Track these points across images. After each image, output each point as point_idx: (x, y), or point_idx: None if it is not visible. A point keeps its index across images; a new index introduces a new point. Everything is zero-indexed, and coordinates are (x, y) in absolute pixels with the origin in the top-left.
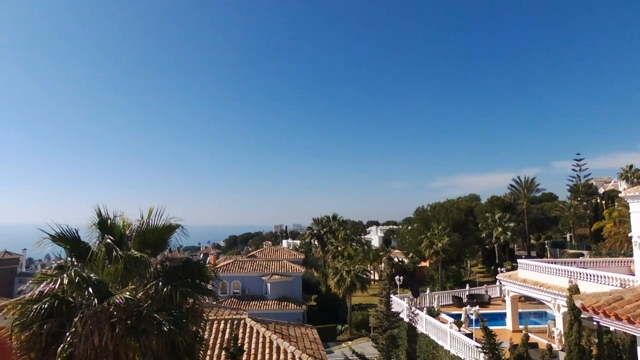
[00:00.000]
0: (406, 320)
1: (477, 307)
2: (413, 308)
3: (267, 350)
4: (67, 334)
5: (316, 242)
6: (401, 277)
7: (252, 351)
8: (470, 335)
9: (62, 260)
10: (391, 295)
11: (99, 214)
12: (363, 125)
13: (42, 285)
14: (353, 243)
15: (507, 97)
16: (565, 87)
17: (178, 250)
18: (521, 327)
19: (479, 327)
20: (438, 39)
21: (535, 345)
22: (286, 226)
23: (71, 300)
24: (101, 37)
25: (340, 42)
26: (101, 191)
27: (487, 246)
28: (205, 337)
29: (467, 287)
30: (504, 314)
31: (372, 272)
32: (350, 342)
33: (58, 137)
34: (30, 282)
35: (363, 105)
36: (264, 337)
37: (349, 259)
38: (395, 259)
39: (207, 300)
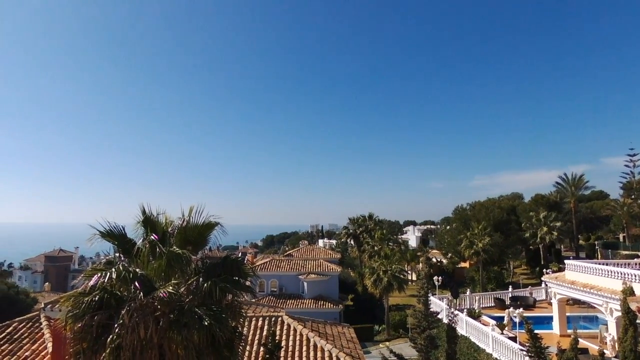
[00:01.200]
0: (445, 321)
1: (521, 310)
2: (452, 309)
3: (304, 348)
4: (116, 325)
5: (352, 242)
6: (440, 278)
7: (290, 348)
8: (514, 339)
9: (110, 256)
10: (429, 296)
11: (144, 212)
12: (399, 125)
13: (92, 279)
14: (390, 243)
15: (552, 90)
16: (615, 78)
17: (217, 249)
18: (569, 331)
19: (523, 330)
20: (475, 33)
21: (585, 350)
22: (322, 226)
23: (119, 293)
24: (148, 39)
25: (373, 40)
26: (146, 191)
27: (531, 247)
28: (244, 333)
29: (510, 289)
30: (551, 318)
31: (409, 272)
32: (387, 343)
33: (106, 142)
34: (82, 275)
35: (399, 105)
36: (301, 335)
37: (386, 259)
38: (434, 259)
39: (245, 297)
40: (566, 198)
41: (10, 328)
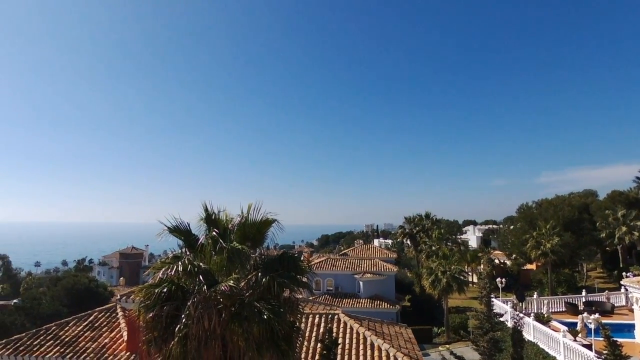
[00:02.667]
0: (510, 324)
1: (597, 315)
2: (518, 312)
3: (361, 346)
4: (182, 316)
5: (408, 242)
6: (503, 280)
7: (346, 346)
8: (589, 347)
9: (177, 252)
10: (493, 298)
11: (206, 210)
12: (458, 121)
13: (161, 272)
14: (448, 243)
15: (629, 74)
16: None
17: (274, 248)
18: None
19: (599, 338)
20: (546, 25)
21: None
22: (377, 225)
23: (185, 286)
24: (207, 37)
25: (430, 38)
26: (207, 190)
27: (607, 248)
28: (301, 328)
29: (584, 293)
30: (632, 326)
31: (469, 273)
32: (448, 345)
33: (167, 147)
34: (151, 267)
35: (458, 101)
36: (357, 333)
37: (444, 259)
38: (496, 261)
39: (302, 294)
40: None
41: (92, 317)
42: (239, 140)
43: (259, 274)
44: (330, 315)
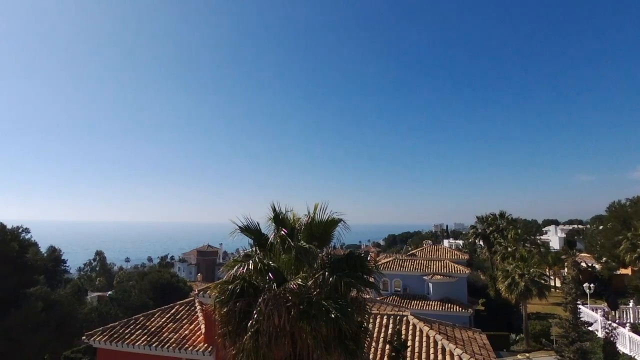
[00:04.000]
0: (600, 335)
1: None
2: (610, 321)
3: (431, 350)
4: (254, 312)
5: (481, 242)
6: (591, 285)
7: (416, 349)
8: None
9: (248, 250)
10: (579, 305)
11: (274, 210)
12: (536, 111)
13: (234, 269)
14: (526, 244)
15: None
16: None
17: (341, 248)
18: None
19: None
20: None
21: None
22: (447, 225)
23: (255, 283)
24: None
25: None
26: (275, 190)
27: None
28: (369, 329)
29: None
30: None
31: (551, 277)
32: (527, 354)
33: (238, 151)
34: (225, 265)
35: (537, 89)
36: (427, 336)
37: (522, 261)
38: (583, 264)
39: (369, 295)
40: None
41: (173, 310)
42: (308, 143)
43: (326, 273)
44: (398, 317)
